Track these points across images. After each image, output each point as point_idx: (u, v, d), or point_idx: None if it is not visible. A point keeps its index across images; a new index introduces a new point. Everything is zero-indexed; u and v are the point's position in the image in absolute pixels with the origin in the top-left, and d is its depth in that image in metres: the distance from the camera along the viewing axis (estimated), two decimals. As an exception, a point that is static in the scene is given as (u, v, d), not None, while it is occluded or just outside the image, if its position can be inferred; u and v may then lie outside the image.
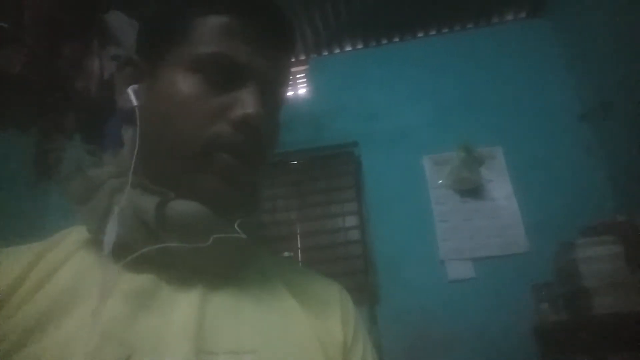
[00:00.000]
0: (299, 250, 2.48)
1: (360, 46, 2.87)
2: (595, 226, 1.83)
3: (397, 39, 2.83)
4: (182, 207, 0.49)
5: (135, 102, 0.54)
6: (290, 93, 2.68)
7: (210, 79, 0.51)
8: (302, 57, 2.86)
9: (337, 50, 2.89)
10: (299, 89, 2.80)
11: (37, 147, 1.14)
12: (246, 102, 0.51)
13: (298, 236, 2.52)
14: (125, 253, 0.47)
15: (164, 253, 0.49)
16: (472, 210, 2.32)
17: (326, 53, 2.89)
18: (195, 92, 0.51)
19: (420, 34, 2.81)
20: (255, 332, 0.49)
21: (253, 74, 0.52)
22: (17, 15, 1.00)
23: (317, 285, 0.63)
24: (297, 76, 2.83)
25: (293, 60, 0.63)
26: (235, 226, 0.51)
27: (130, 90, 0.55)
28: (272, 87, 0.55)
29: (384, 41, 2.84)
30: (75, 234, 0.54)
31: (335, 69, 2.79)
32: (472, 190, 2.34)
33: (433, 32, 2.80)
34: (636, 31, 1.91)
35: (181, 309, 0.47)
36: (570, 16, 2.45)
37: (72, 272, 0.48)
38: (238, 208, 0.54)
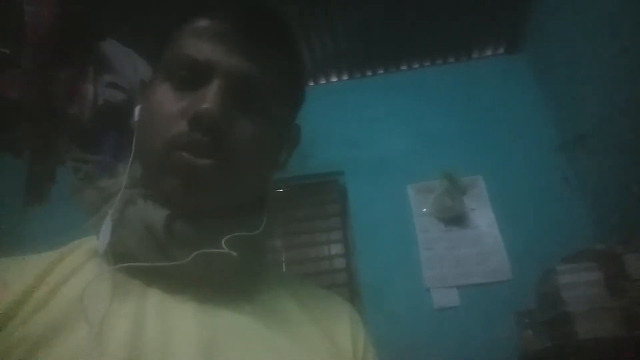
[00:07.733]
0: (284, 278, 2.46)
1: (345, 77, 2.95)
2: (576, 254, 1.87)
3: (381, 71, 2.91)
4: (186, 222, 0.50)
5: (136, 119, 0.57)
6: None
7: (176, 83, 0.52)
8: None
9: (323, 81, 2.96)
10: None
11: (28, 172, 1.14)
12: (203, 98, 0.48)
13: (283, 264, 2.51)
14: (133, 264, 0.48)
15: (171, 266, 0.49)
16: (456, 238, 2.35)
17: (312, 83, 2.95)
18: (164, 99, 0.51)
19: (403, 67, 2.90)
20: (266, 350, 0.50)
21: (215, 71, 0.50)
22: (17, 40, 1.02)
23: (328, 302, 0.64)
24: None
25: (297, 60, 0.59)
26: (222, 242, 0.49)
27: (135, 110, 0.58)
28: (248, 84, 0.51)
29: (369, 73, 2.92)
30: (88, 244, 0.54)
31: (321, 99, 2.83)
32: (456, 219, 2.37)
33: (416, 66, 2.89)
34: (609, 66, 2.01)
35: (191, 322, 0.48)
36: (546, 52, 2.56)
37: (82, 282, 0.48)
38: (223, 221, 0.52)
